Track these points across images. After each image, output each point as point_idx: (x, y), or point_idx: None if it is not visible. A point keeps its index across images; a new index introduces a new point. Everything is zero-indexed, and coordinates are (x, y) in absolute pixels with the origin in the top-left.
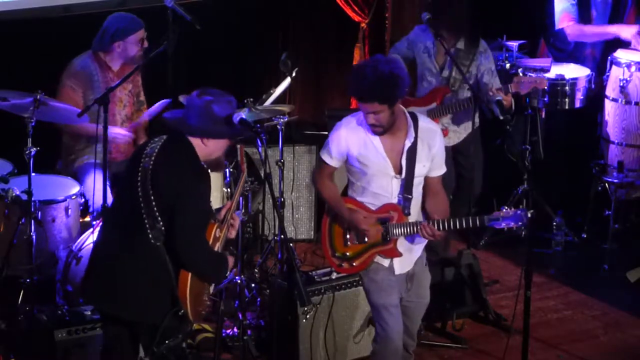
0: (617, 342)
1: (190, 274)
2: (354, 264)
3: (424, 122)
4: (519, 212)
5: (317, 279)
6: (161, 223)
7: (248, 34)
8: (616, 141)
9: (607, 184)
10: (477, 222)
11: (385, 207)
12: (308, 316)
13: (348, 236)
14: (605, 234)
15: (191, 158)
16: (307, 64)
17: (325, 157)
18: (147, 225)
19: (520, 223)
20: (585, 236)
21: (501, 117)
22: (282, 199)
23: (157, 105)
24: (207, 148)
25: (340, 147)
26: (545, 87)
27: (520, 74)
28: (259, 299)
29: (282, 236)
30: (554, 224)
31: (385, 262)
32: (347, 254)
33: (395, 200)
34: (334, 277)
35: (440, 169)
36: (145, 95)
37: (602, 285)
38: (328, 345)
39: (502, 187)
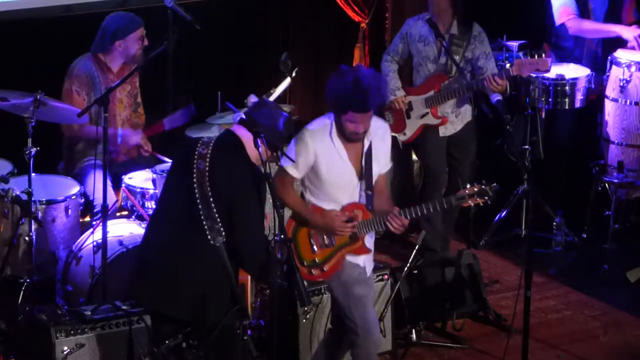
0: (617, 342)
1: None
2: (325, 268)
3: (374, 120)
4: (483, 187)
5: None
6: (220, 223)
7: (248, 34)
8: (616, 141)
9: (607, 184)
10: (445, 204)
11: (348, 207)
12: (308, 316)
13: (314, 243)
14: (605, 234)
15: (245, 156)
16: (307, 64)
17: (290, 169)
18: (206, 227)
19: (486, 197)
20: (585, 236)
21: (507, 115)
22: None
23: (180, 115)
24: (255, 152)
25: (308, 159)
26: (548, 69)
27: (521, 56)
28: (259, 299)
29: (282, 236)
30: (554, 224)
31: (360, 261)
32: (316, 260)
33: (356, 199)
34: None
35: (387, 166)
36: (144, 96)
37: (602, 285)
38: None
39: (502, 187)
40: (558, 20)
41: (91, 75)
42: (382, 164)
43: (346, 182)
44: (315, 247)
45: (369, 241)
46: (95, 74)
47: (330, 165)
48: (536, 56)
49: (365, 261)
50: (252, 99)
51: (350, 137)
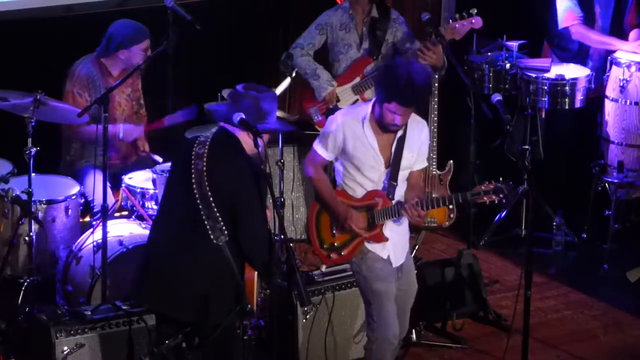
0: (617, 342)
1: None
2: (343, 253)
3: (412, 116)
4: (499, 185)
5: (317, 279)
6: (222, 222)
7: (248, 34)
8: (616, 141)
9: (607, 184)
10: (460, 199)
11: (370, 194)
12: (308, 316)
13: (334, 227)
14: (605, 234)
15: (241, 152)
16: None
17: (320, 150)
18: (208, 227)
19: (501, 195)
20: (585, 236)
21: (507, 115)
22: (282, 199)
23: (181, 114)
24: (251, 141)
25: (337, 142)
26: (481, 25)
27: (450, 21)
28: (259, 299)
29: (282, 236)
30: (554, 224)
31: (384, 254)
32: (335, 244)
33: (380, 187)
34: (333, 276)
35: (423, 163)
36: (144, 96)
37: (602, 285)
38: (328, 345)
39: None
40: (561, 24)
41: (91, 78)
42: (414, 159)
43: (372, 169)
44: (335, 231)
45: (391, 230)
46: (96, 77)
47: (357, 150)
48: (466, 16)
49: (390, 252)
50: (225, 93)
51: (386, 127)
